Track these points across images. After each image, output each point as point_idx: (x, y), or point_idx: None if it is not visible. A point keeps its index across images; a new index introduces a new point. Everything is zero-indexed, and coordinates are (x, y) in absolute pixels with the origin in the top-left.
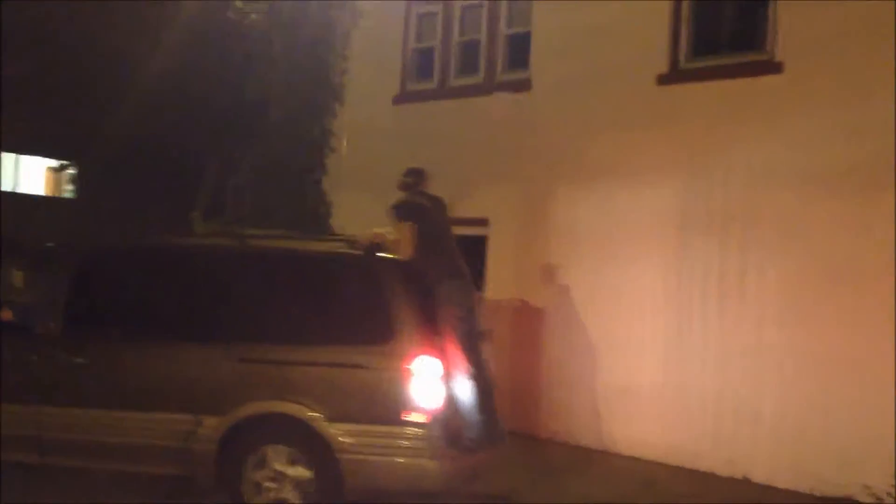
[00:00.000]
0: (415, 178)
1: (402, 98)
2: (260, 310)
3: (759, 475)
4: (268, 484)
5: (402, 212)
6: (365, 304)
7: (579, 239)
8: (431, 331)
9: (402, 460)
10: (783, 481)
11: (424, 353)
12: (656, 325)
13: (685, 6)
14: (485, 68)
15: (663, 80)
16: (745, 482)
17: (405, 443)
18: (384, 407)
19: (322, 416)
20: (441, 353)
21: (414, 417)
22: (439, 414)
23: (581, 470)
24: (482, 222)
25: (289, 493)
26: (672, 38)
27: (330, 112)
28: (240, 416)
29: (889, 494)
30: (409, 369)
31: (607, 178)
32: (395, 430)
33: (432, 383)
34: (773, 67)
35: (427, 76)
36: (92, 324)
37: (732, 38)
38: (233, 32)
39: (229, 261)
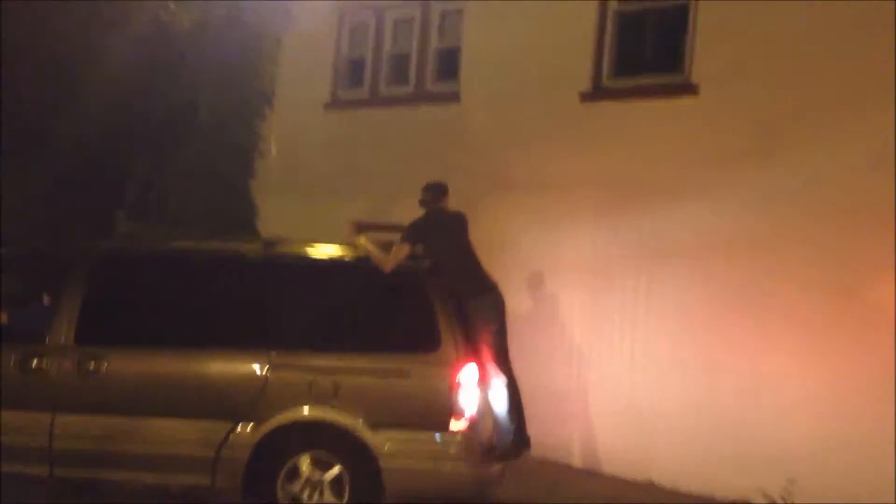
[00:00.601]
0: (433, 195)
1: (333, 105)
2: (304, 318)
3: (663, 479)
4: (304, 491)
5: (408, 233)
6: (411, 313)
7: (504, 250)
8: (469, 341)
9: (443, 467)
10: (685, 485)
11: (468, 362)
12: (574, 336)
13: (609, 27)
14: (415, 79)
15: (586, 97)
16: (649, 485)
17: (448, 449)
18: (429, 414)
19: (365, 423)
20: (479, 363)
21: (456, 425)
22: (477, 422)
23: None
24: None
25: (324, 499)
26: (596, 58)
27: (259, 116)
28: (277, 423)
29: (782, 497)
30: (454, 378)
31: (532, 192)
32: (439, 437)
33: (473, 392)
34: (690, 89)
35: (358, 84)
36: (110, 330)
37: (653, 60)
38: (164, 34)
39: (270, 269)
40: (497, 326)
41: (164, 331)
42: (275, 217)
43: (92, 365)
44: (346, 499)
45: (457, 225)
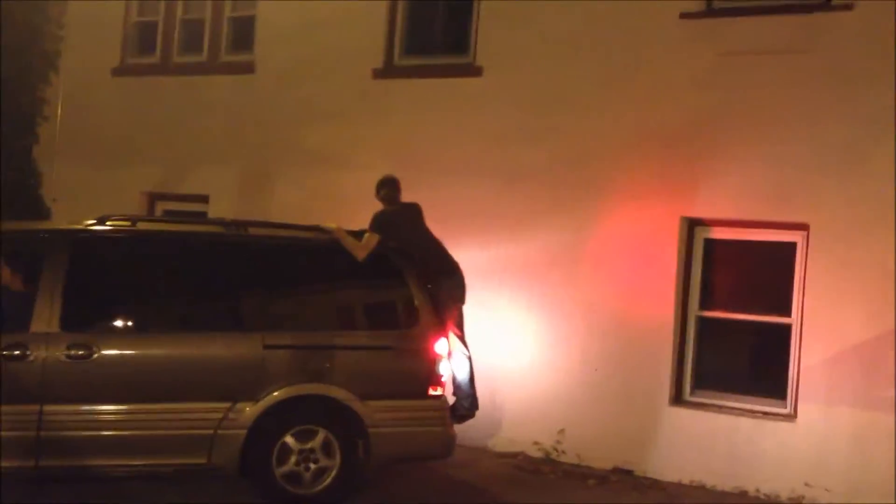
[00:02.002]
0: (388, 190)
1: (123, 70)
2: (294, 298)
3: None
4: (296, 462)
5: (373, 225)
6: (390, 293)
7: (299, 219)
8: (440, 317)
9: (423, 430)
10: (468, 440)
11: (441, 336)
12: None
13: (401, 7)
14: (209, 48)
15: (378, 74)
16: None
17: (429, 414)
18: (410, 384)
19: (355, 395)
20: (448, 337)
21: (434, 392)
22: (447, 388)
23: None
24: (203, 199)
25: (317, 469)
26: (388, 36)
27: (44, 80)
28: (274, 400)
29: (554, 448)
30: (432, 351)
31: (324, 164)
32: (420, 403)
33: (446, 362)
34: (475, 71)
35: (149, 51)
36: (98, 315)
37: (442, 41)
38: None
39: (259, 251)
40: (461, 305)
41: (154, 314)
42: (62, 186)
43: (81, 352)
44: (334, 470)
45: (414, 214)
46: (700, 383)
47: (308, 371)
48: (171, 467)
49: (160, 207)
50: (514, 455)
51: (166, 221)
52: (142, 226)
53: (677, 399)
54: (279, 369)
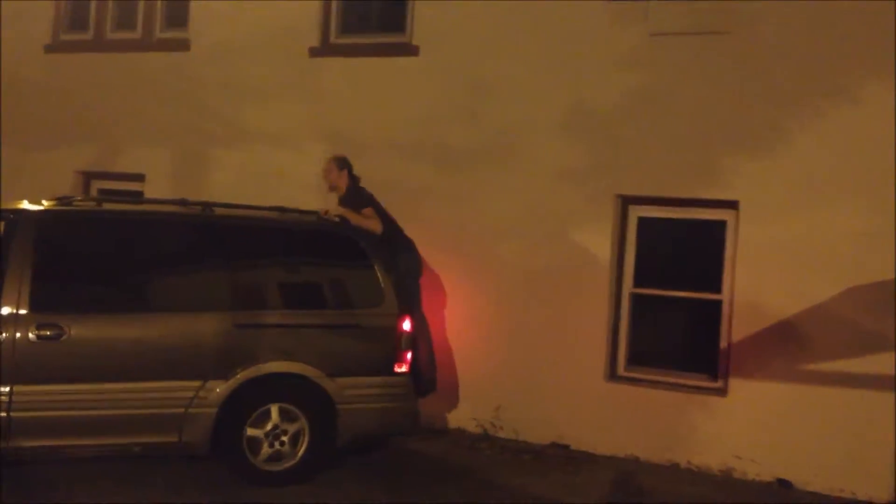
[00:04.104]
0: (350, 168)
1: (55, 47)
2: (260, 278)
3: None
4: (267, 440)
5: (362, 200)
6: (356, 272)
7: (233, 198)
8: (402, 294)
9: (390, 406)
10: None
11: (405, 313)
12: None
13: None
14: (143, 24)
15: (315, 52)
16: None
17: (395, 390)
18: (377, 361)
19: (323, 372)
20: (411, 314)
21: (400, 369)
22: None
23: None
24: (139, 177)
25: (286, 446)
26: (324, 14)
27: None
28: (244, 378)
29: (492, 424)
30: (397, 328)
31: (260, 143)
32: (387, 380)
33: (410, 339)
34: (411, 50)
35: (83, 27)
36: (68, 296)
37: (378, 20)
38: None
39: (229, 230)
40: (418, 281)
41: (124, 294)
42: None
43: (51, 332)
44: (303, 447)
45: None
46: (634, 359)
47: (278, 349)
48: (142, 446)
49: (95, 186)
50: (452, 432)
51: (133, 202)
52: (108, 206)
53: (612, 375)
54: (249, 348)
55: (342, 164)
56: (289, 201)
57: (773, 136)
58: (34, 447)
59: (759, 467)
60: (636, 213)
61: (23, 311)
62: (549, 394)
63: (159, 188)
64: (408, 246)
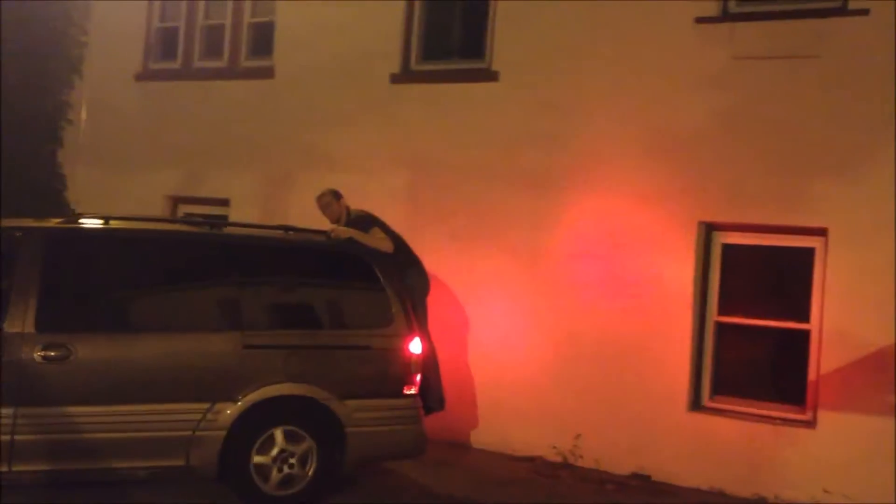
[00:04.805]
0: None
1: (145, 76)
2: (272, 297)
3: (464, 439)
4: (275, 465)
5: (368, 221)
6: (365, 291)
7: (318, 223)
8: (412, 314)
9: (399, 429)
10: (484, 444)
11: (414, 333)
12: None
13: (417, 12)
14: (229, 53)
15: (395, 78)
16: (452, 444)
17: (403, 413)
18: (386, 383)
19: (333, 394)
20: (420, 333)
21: (409, 391)
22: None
23: None
24: (223, 202)
25: (294, 470)
26: (405, 41)
27: (67, 85)
28: (254, 400)
29: (572, 453)
30: (406, 348)
31: (343, 169)
32: (396, 402)
33: (419, 359)
34: (491, 75)
35: (171, 56)
36: (74, 315)
37: (458, 46)
38: None
39: (235, 250)
40: (425, 298)
41: (132, 314)
42: (86, 189)
43: (57, 353)
44: (311, 471)
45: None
46: (718, 389)
47: (287, 371)
48: (148, 470)
49: (182, 210)
50: (532, 459)
51: (141, 220)
52: (115, 224)
53: (695, 405)
54: (258, 369)
55: (337, 195)
56: None
57: (862, 161)
58: (38, 471)
59: (850, 502)
60: (720, 239)
61: (28, 331)
62: (631, 423)
63: (243, 212)
64: (415, 264)
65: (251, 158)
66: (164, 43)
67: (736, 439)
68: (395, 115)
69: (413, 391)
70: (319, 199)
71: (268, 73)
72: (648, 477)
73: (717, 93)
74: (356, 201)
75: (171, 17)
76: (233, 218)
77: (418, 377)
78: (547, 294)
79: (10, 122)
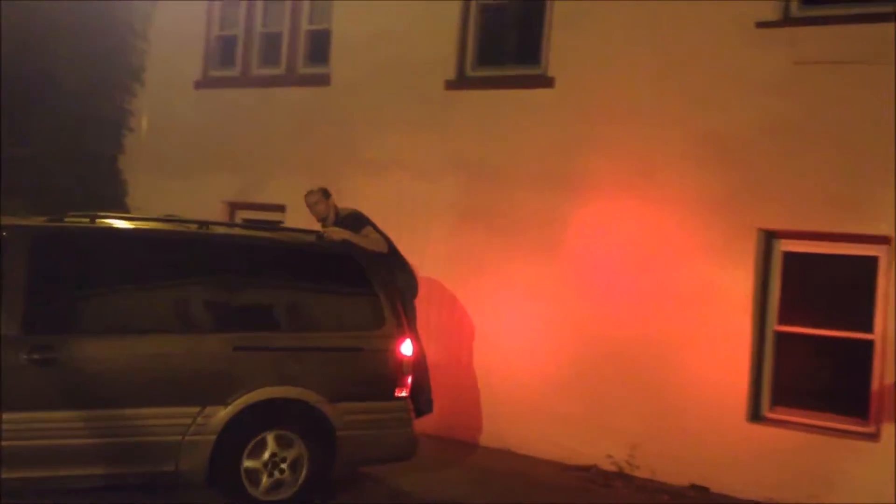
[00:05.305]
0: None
1: (204, 83)
2: (263, 298)
3: (520, 447)
4: (266, 470)
5: (360, 221)
6: (356, 293)
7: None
8: (402, 316)
9: (390, 432)
10: (538, 452)
11: (407, 335)
12: (433, 308)
13: (472, 18)
14: (286, 60)
15: (450, 85)
16: (507, 453)
17: (395, 416)
18: (378, 385)
19: (324, 397)
20: (412, 337)
21: (400, 393)
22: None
23: None
24: (280, 208)
25: (284, 475)
26: (460, 48)
27: (129, 92)
28: (244, 404)
29: (628, 463)
30: (398, 351)
31: (398, 176)
32: (387, 405)
33: (411, 361)
34: (547, 81)
35: (229, 64)
36: (62, 317)
37: (514, 52)
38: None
39: (225, 250)
40: (414, 300)
41: (121, 316)
42: (146, 194)
43: (44, 356)
44: (302, 475)
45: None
46: (778, 400)
47: (278, 373)
48: (137, 476)
49: (239, 216)
50: (586, 468)
51: (129, 219)
52: (101, 223)
53: (755, 416)
54: (249, 372)
55: (326, 193)
56: (423, 231)
57: None
58: (24, 478)
59: None
60: (781, 247)
61: (14, 333)
62: (689, 433)
63: (299, 218)
64: (404, 266)
65: (307, 164)
66: (223, 51)
67: (796, 451)
68: (450, 122)
69: (404, 393)
70: (307, 196)
71: (324, 79)
72: (706, 488)
73: (777, 98)
74: (410, 208)
75: (230, 26)
76: (288, 224)
77: (409, 379)
78: (603, 303)
79: (72, 129)
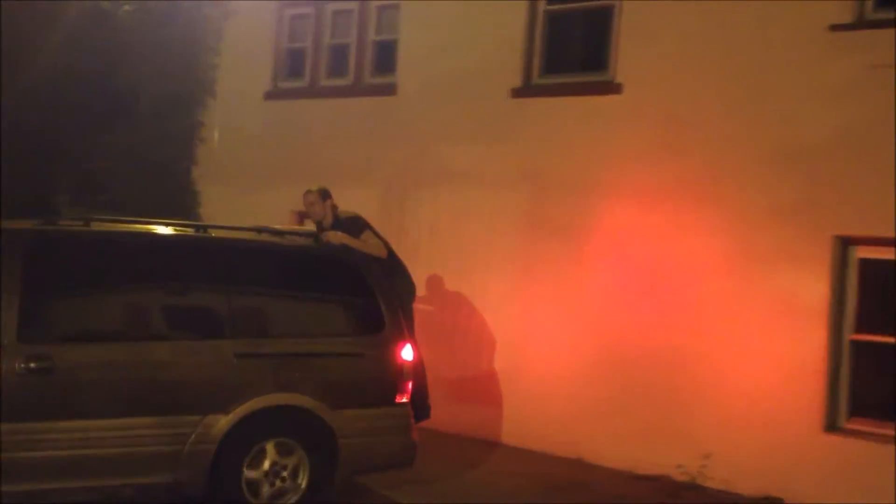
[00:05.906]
0: (325, 198)
1: (273, 95)
2: (263, 304)
3: (589, 456)
4: (266, 478)
5: (359, 224)
6: (356, 298)
7: (435, 240)
8: (402, 321)
9: (391, 438)
10: (609, 461)
11: (407, 340)
12: (502, 319)
13: (538, 26)
14: (354, 71)
15: (517, 93)
16: (577, 462)
17: (396, 422)
18: (379, 391)
19: (326, 405)
20: (411, 339)
21: (400, 399)
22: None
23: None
24: None
25: (286, 483)
26: (526, 55)
27: (201, 104)
28: (246, 412)
29: (700, 473)
30: (398, 356)
31: (464, 184)
32: (388, 411)
33: (411, 366)
34: (614, 88)
35: (298, 75)
36: (59, 325)
37: (581, 59)
38: (105, 22)
39: (224, 255)
40: (412, 304)
41: (119, 323)
42: (217, 205)
43: (40, 365)
44: (304, 482)
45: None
46: (855, 410)
47: (279, 380)
48: (135, 488)
49: (308, 226)
50: (657, 478)
51: (125, 222)
52: (97, 227)
53: (831, 426)
54: (250, 379)
55: (325, 194)
56: (488, 241)
57: None
58: (20, 492)
59: None
60: (857, 254)
61: (9, 342)
62: (763, 443)
63: None
64: (401, 269)
65: (375, 174)
66: (292, 63)
67: (874, 462)
68: (516, 130)
69: (405, 399)
70: (305, 196)
71: (391, 89)
72: (781, 500)
73: (851, 102)
74: (476, 216)
75: (299, 38)
76: None
77: (410, 385)
78: (674, 312)
79: (146, 141)
